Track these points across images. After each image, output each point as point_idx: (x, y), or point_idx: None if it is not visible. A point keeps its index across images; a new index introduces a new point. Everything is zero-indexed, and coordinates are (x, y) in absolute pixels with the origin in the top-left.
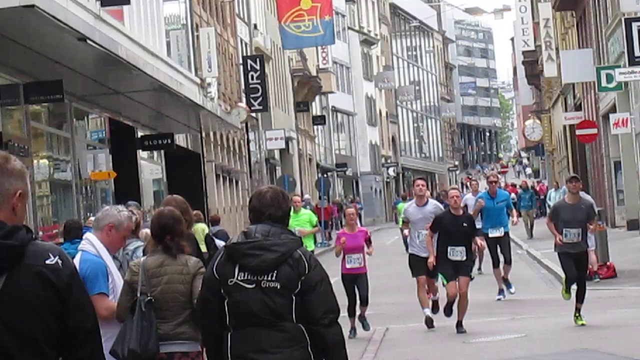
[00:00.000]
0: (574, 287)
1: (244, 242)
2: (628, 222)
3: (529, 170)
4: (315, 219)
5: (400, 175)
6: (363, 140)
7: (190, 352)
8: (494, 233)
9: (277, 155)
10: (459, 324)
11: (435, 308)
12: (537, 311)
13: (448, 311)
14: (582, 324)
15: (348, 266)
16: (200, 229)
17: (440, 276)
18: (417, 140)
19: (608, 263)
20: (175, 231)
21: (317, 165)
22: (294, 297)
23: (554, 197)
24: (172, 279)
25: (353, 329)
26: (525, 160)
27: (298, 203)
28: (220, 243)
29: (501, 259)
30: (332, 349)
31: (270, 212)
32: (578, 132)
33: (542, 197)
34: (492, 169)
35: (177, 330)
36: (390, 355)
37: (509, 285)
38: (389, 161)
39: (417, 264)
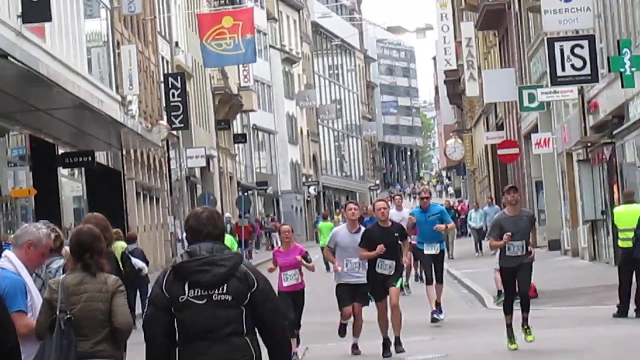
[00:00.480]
0: (516, 308)
1: (193, 260)
2: (549, 242)
3: (450, 190)
4: (235, 245)
5: (321, 193)
6: (284, 158)
7: None
8: (429, 250)
9: (197, 173)
10: (397, 342)
11: (342, 332)
12: (458, 331)
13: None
14: (531, 340)
15: (285, 284)
16: (120, 246)
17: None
18: (338, 159)
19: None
20: (95, 249)
21: (238, 183)
22: (243, 309)
23: (474, 217)
24: (92, 297)
25: (295, 354)
26: (446, 180)
27: None
28: (136, 261)
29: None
30: (283, 355)
31: (207, 231)
32: (499, 151)
33: (462, 216)
34: (415, 187)
35: (96, 348)
36: None
37: (440, 311)
38: (309, 180)
39: (345, 294)
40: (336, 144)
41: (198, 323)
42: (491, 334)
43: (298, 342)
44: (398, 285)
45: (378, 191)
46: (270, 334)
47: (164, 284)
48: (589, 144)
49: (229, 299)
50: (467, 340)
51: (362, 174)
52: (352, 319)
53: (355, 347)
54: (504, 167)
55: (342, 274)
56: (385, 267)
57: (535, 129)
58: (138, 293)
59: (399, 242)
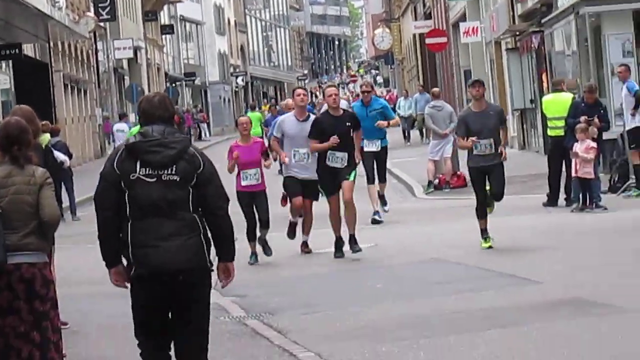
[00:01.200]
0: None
1: (146, 141)
2: None
3: (379, 79)
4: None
5: (249, 84)
6: (212, 49)
7: (37, 262)
8: (369, 147)
9: (125, 64)
10: (353, 241)
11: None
12: (387, 221)
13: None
14: (490, 247)
15: (244, 183)
16: (47, 139)
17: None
18: (266, 49)
19: (458, 172)
20: (22, 141)
21: (166, 74)
22: (190, 189)
23: (403, 106)
24: (20, 190)
25: (254, 254)
26: (374, 70)
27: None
28: (58, 154)
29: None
30: (225, 236)
31: (159, 114)
32: (428, 40)
33: (391, 105)
34: (344, 78)
35: (24, 241)
36: (239, 265)
37: (384, 203)
38: (237, 70)
39: (293, 186)
40: (264, 34)
41: (148, 200)
42: (420, 224)
43: (270, 251)
44: (352, 178)
45: (306, 81)
46: (212, 214)
47: (115, 161)
48: (517, 33)
49: (177, 179)
50: (397, 231)
51: (290, 64)
52: (300, 219)
53: (305, 245)
54: (432, 56)
55: (290, 167)
56: (337, 159)
57: (463, 18)
58: (63, 187)
59: (352, 132)
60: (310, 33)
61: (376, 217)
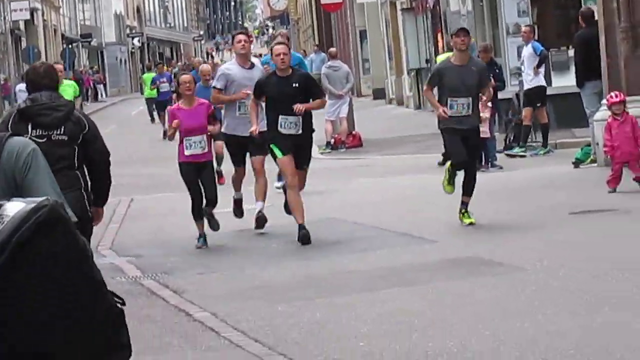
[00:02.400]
0: (459, 176)
1: (36, 105)
2: (374, 91)
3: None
4: (78, 88)
5: (146, 45)
6: (108, 10)
7: None
8: None
9: (22, 26)
10: (303, 231)
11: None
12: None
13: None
14: (471, 223)
15: (187, 153)
16: None
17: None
18: (162, 10)
19: (354, 132)
20: None
21: (62, 36)
22: (76, 147)
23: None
24: None
25: (202, 237)
26: (270, 30)
27: (61, 73)
28: None
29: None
30: (104, 186)
31: (45, 82)
32: (323, 1)
33: None
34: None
35: None
36: (136, 226)
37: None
38: (133, 31)
39: (237, 149)
40: None
41: None
42: (316, 184)
43: (217, 226)
44: (307, 166)
45: (202, 42)
46: (96, 169)
47: (9, 124)
48: None
49: (65, 139)
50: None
51: (186, 25)
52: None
53: (260, 216)
54: (327, 16)
55: (232, 125)
56: (291, 125)
57: None
58: None
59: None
60: None
61: (279, 183)
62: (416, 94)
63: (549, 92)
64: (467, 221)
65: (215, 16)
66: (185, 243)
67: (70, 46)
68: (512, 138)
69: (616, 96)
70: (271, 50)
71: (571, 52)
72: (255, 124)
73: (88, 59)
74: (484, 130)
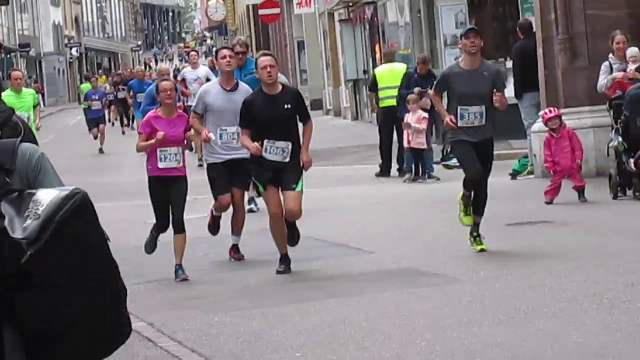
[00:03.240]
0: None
1: None
2: (311, 102)
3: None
4: (38, 97)
5: (84, 55)
6: (46, 20)
7: None
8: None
9: None
10: (284, 261)
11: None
12: None
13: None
14: (482, 249)
15: (161, 165)
16: None
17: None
18: (100, 20)
19: None
20: None
21: (0, 45)
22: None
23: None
24: None
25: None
26: (209, 40)
27: (20, 80)
28: None
29: None
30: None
31: None
32: (261, 11)
33: None
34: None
35: None
36: None
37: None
38: (72, 41)
39: (221, 182)
40: (98, 5)
41: None
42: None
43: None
44: (299, 188)
45: (140, 52)
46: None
47: None
48: (350, 4)
49: None
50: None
51: (124, 35)
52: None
53: (235, 249)
54: (265, 26)
55: (215, 149)
56: (277, 151)
57: None
58: None
59: (297, 117)
60: (144, 4)
61: (252, 206)
62: (353, 105)
63: None
64: (478, 248)
65: (153, 26)
66: (121, 252)
67: (8, 56)
68: (449, 149)
69: (550, 111)
70: (256, 62)
71: (509, 64)
72: (204, 129)
73: (26, 69)
74: (420, 142)
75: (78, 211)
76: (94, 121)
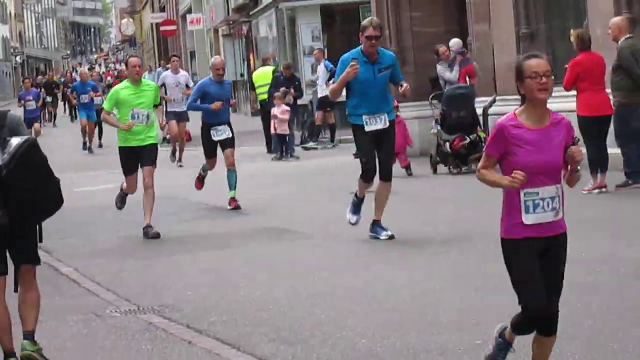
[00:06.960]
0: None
1: None
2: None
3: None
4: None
5: (26, 62)
6: None
7: None
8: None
9: None
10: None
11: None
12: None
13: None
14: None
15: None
16: None
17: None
18: (38, 35)
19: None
20: None
21: None
22: None
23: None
24: None
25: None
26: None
27: (138, 68)
28: None
29: None
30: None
31: None
32: (162, 28)
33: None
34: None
35: None
36: None
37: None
38: (16, 51)
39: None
40: (37, 23)
41: None
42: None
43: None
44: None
45: (69, 59)
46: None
47: None
48: (231, 22)
49: None
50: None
51: (57, 46)
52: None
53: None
54: (165, 39)
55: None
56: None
57: (190, 10)
58: None
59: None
60: (73, 22)
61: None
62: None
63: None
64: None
65: (79, 39)
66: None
67: None
68: (307, 135)
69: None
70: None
71: None
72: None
73: None
74: (284, 129)
75: (30, 147)
76: (28, 120)
